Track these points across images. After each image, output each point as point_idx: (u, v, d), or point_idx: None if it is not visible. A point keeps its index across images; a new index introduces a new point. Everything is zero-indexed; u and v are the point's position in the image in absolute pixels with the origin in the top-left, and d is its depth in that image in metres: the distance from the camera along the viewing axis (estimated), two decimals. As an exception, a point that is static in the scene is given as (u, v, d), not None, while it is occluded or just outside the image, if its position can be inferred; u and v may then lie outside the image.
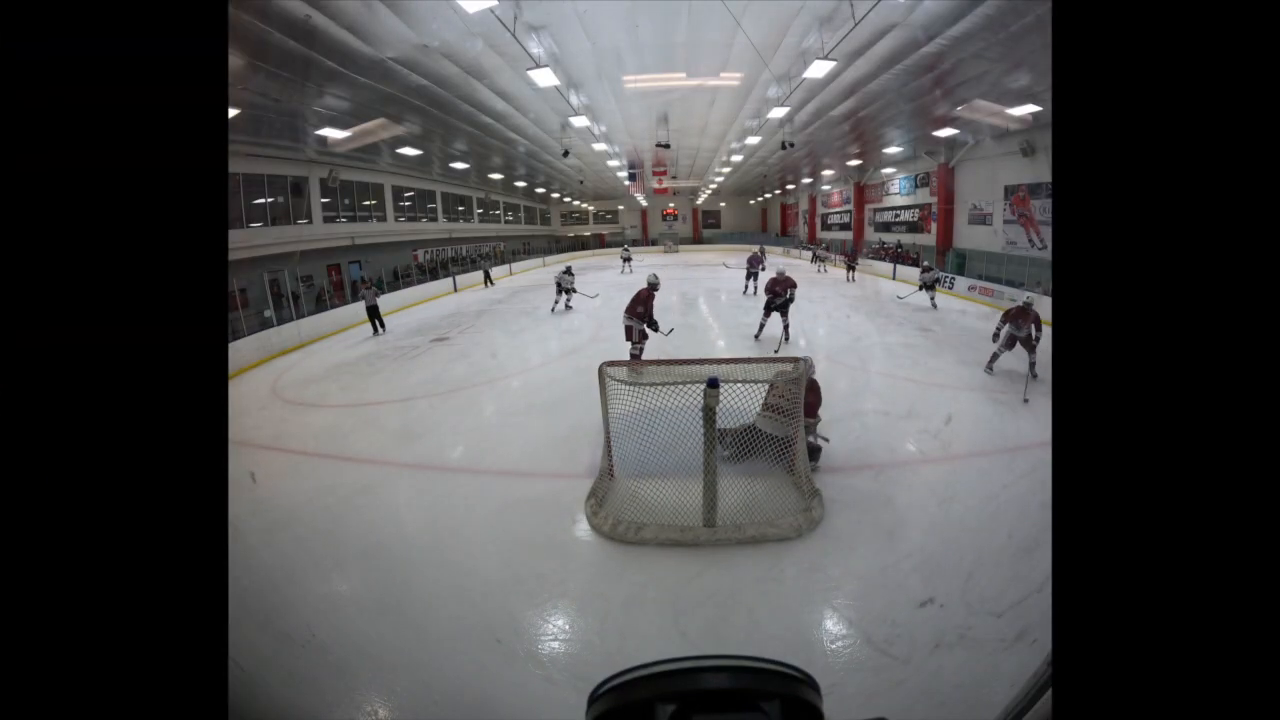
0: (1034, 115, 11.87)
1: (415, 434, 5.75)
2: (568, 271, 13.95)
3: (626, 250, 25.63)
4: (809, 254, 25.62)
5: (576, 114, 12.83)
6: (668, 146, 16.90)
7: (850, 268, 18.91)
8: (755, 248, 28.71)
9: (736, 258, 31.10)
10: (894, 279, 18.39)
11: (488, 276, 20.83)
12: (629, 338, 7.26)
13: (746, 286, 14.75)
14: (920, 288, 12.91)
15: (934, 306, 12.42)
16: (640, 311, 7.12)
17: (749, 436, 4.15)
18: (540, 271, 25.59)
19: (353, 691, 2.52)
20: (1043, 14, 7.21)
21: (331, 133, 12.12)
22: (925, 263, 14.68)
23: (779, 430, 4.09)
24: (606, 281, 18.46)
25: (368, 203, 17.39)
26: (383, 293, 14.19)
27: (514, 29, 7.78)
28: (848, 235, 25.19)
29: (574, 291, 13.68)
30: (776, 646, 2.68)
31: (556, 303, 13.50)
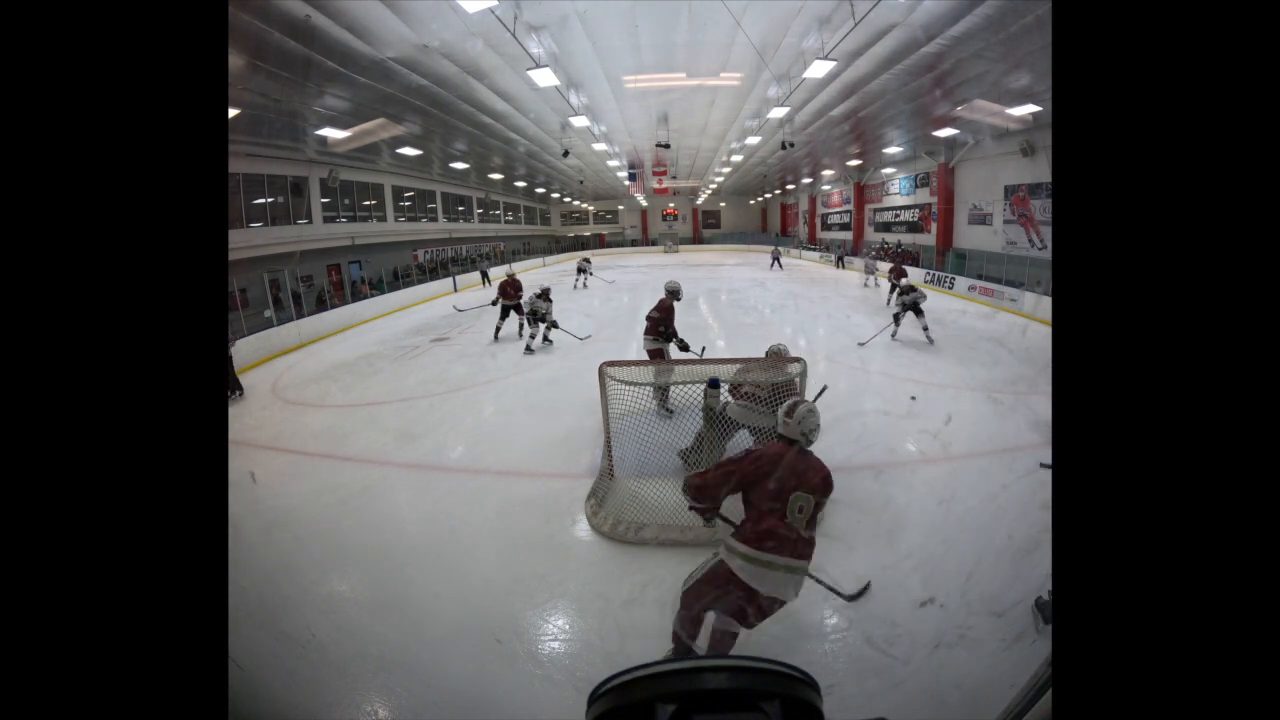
0: (1034, 115, 11.87)
1: (415, 434, 5.74)
2: (543, 296, 8.86)
3: (585, 260, 18.77)
4: (812, 256, 24.58)
5: (576, 114, 12.84)
6: (668, 146, 16.90)
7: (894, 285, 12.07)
8: (771, 248, 27.79)
9: (718, 257, 29.33)
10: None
11: (485, 276, 20.82)
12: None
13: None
14: (901, 310, 9.02)
15: (927, 338, 8.72)
16: (661, 329, 5.78)
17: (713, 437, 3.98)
18: (539, 271, 25.54)
19: (353, 691, 2.52)
20: (1043, 14, 7.22)
21: (331, 133, 12.12)
22: (906, 280, 10.53)
23: (752, 421, 3.91)
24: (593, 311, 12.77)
25: (368, 203, 17.39)
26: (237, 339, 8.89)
27: (514, 29, 7.79)
28: (848, 235, 25.19)
29: (550, 322, 8.97)
30: (776, 647, 2.68)
31: (532, 336, 8.95)
